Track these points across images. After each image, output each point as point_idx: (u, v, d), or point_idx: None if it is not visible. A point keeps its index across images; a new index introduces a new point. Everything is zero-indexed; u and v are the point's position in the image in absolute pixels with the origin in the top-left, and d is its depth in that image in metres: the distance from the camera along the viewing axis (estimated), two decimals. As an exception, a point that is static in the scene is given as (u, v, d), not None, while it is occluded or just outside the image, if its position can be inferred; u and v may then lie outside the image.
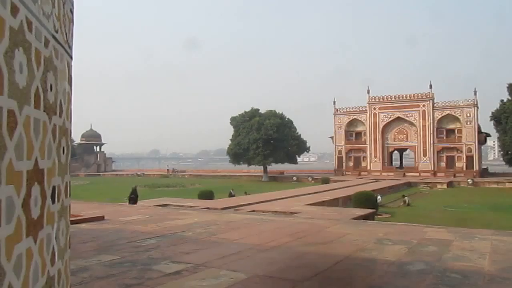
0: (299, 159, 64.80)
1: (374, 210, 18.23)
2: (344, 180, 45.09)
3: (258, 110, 59.58)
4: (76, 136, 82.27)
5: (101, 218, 10.45)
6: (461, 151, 55.02)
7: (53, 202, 1.76)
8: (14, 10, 1.28)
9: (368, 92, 60.61)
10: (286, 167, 65.58)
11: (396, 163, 64.35)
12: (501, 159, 50.63)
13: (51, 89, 1.68)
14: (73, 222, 8.41)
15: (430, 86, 57.09)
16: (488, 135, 59.12)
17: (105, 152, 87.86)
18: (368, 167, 59.88)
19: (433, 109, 56.10)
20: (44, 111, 1.59)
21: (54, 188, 1.76)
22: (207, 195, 26.08)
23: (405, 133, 58.95)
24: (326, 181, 45.67)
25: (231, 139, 59.56)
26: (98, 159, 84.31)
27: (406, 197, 27.41)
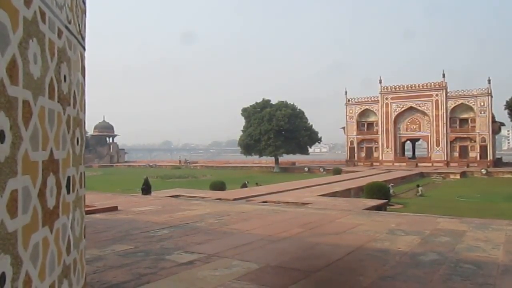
0: (310, 150, 64.49)
1: (386, 200, 18.15)
2: (356, 171, 44.90)
3: (270, 101, 59.36)
4: (89, 128, 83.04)
5: (114, 209, 10.58)
6: (475, 141, 54.30)
7: (68, 192, 1.78)
8: (28, 1, 1.28)
9: (380, 82, 59.95)
10: (297, 158, 65.41)
11: (408, 153, 63.78)
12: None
13: (65, 80, 1.68)
14: (87, 212, 8.52)
15: (443, 75, 56.29)
16: (503, 124, 58.22)
17: (117, 143, 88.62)
18: (380, 158, 59.46)
19: (446, 99, 55.34)
20: (58, 101, 1.60)
21: (69, 178, 1.78)
22: (218, 186, 26.17)
23: (418, 123, 58.32)
24: (337, 171, 45.49)
25: (242, 130, 59.52)
26: (111, 150, 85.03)
27: (420, 187, 27.20)
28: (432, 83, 56.63)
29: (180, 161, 75.80)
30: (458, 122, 55.98)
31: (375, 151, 61.11)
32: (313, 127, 60.28)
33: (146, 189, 19.90)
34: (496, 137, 62.82)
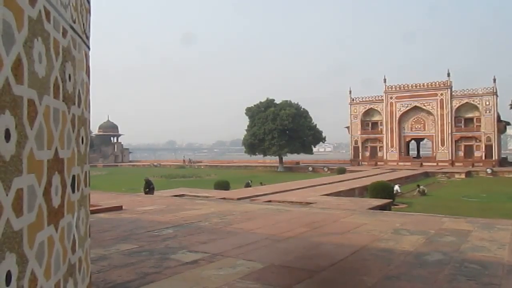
0: (314, 149, 64.39)
1: (391, 200, 18.08)
2: (360, 170, 44.79)
3: (274, 100, 59.29)
4: (94, 127, 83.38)
5: (119, 208, 10.60)
6: (480, 140, 54.00)
7: (73, 191, 1.79)
8: (33, 0, 1.28)
9: (385, 81, 59.75)
10: (301, 157, 65.30)
11: (413, 153, 63.52)
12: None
13: (69, 79, 1.69)
14: (92, 212, 8.53)
15: (448, 74, 56.00)
16: (508, 123, 57.86)
17: (122, 143, 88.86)
18: (385, 157, 59.28)
19: (451, 98, 55.07)
20: (63, 101, 1.60)
21: (74, 177, 1.79)
22: (223, 185, 26.18)
23: (422, 122, 58.07)
24: (342, 171, 45.42)
25: (246, 130, 59.47)
26: (115, 150, 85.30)
27: (421, 187, 27.14)
28: (437, 82, 56.39)
29: (184, 160, 75.90)
30: (463, 122, 55.67)
31: (379, 150, 60.92)
32: (317, 126, 60.20)
33: (151, 189, 19.92)
34: (502, 136, 62.47)
